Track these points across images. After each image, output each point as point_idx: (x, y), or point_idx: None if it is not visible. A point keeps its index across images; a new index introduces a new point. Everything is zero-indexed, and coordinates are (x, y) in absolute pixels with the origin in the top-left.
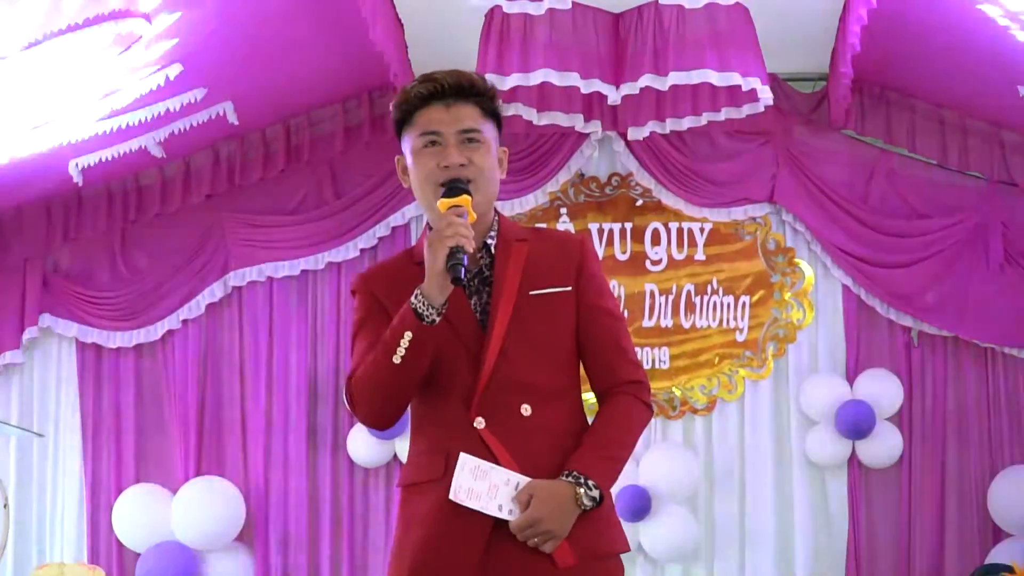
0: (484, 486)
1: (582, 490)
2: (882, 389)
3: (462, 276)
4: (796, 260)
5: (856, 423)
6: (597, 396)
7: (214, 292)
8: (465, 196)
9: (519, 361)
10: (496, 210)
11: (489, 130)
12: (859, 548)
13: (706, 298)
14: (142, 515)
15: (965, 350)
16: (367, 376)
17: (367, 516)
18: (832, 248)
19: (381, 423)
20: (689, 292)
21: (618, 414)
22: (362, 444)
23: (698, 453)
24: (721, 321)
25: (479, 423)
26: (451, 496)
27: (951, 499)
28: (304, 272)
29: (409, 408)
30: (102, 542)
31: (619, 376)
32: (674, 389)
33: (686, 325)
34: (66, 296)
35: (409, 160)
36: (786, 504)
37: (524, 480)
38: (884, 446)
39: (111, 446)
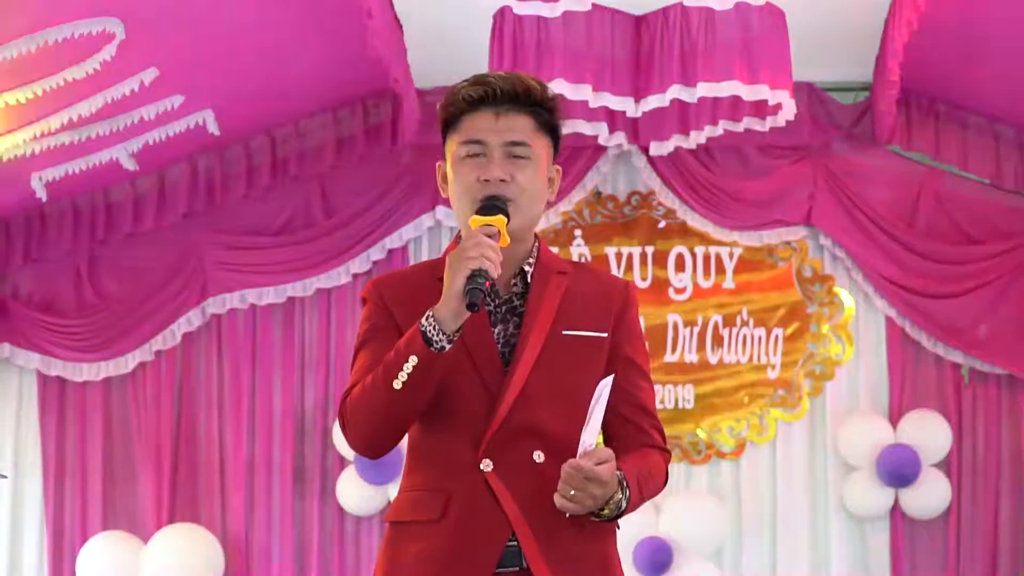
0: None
1: (619, 495)
2: (929, 432)
3: (478, 302)
4: (835, 289)
5: (899, 470)
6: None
7: (191, 320)
8: (500, 217)
9: (539, 405)
10: (537, 236)
11: (541, 146)
12: None
13: (735, 330)
14: (109, 566)
15: (1021, 389)
16: (362, 399)
17: (359, 570)
18: (875, 276)
19: (372, 451)
20: (716, 324)
21: (652, 464)
22: (353, 489)
23: (725, 502)
24: (752, 356)
25: (486, 465)
26: None
27: (1004, 554)
28: (290, 299)
29: (406, 437)
30: None
31: (648, 440)
32: (699, 431)
33: (713, 360)
34: (27, 323)
35: (449, 168)
36: (821, 559)
37: (590, 444)
38: (930, 495)
39: (76, 489)
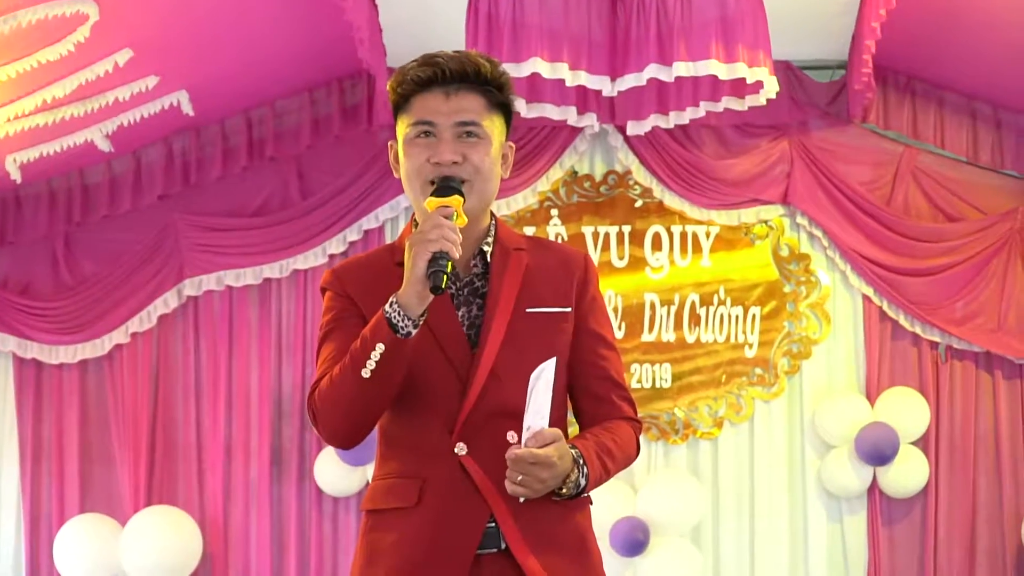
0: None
1: (576, 473)
2: (906, 410)
3: (443, 285)
4: (812, 267)
5: (877, 448)
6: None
7: (167, 302)
8: (456, 197)
9: (510, 385)
10: (493, 214)
11: (493, 124)
12: None
13: (712, 309)
14: (88, 549)
15: (998, 367)
16: (331, 390)
17: (337, 551)
18: (852, 254)
19: (346, 442)
20: (694, 303)
21: (621, 436)
22: (331, 471)
23: (703, 481)
24: (729, 335)
25: (460, 449)
26: None
27: (982, 532)
28: (267, 280)
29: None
30: None
31: (617, 412)
32: (677, 410)
33: (690, 339)
34: (3, 306)
35: (400, 149)
36: (800, 537)
37: (537, 427)
38: (908, 473)
39: (52, 472)
